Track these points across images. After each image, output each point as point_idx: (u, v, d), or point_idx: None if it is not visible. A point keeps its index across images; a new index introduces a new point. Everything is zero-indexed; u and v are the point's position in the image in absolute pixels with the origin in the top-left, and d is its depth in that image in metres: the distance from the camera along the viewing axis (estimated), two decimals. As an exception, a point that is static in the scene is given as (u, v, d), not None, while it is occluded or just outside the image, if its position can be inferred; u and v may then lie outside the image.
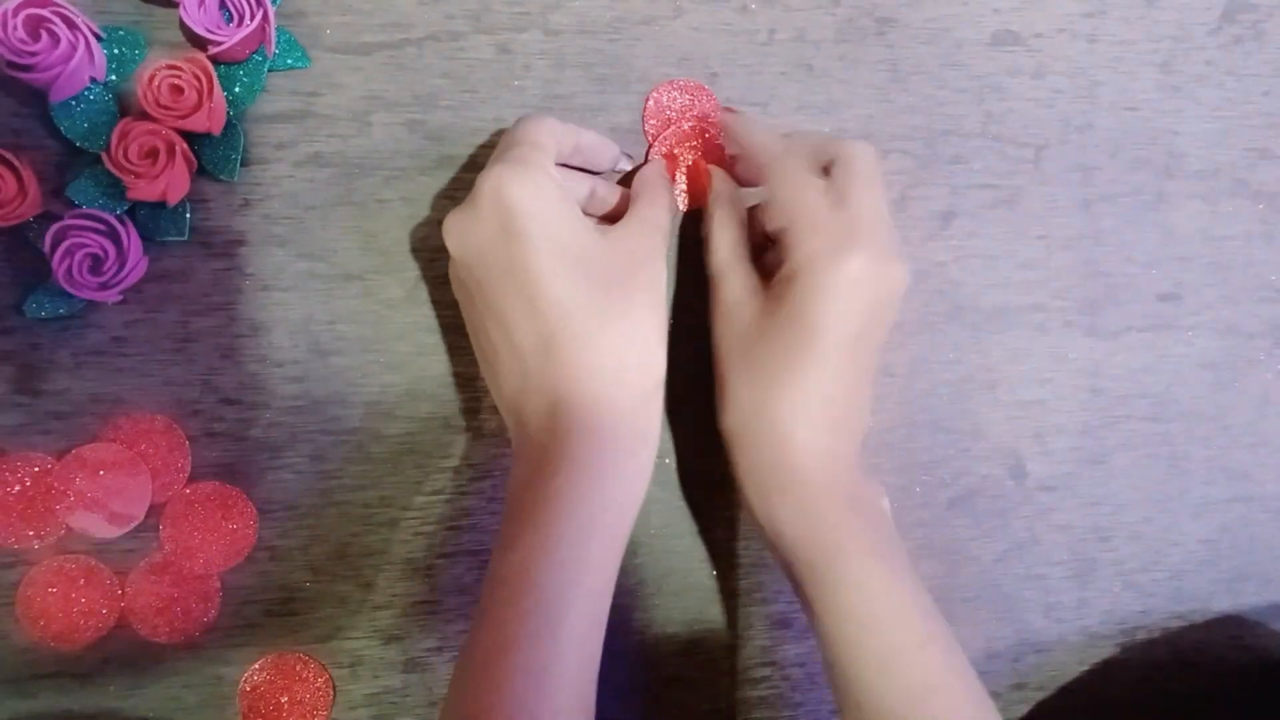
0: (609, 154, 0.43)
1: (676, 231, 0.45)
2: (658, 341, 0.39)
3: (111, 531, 0.41)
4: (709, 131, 0.45)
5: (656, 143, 0.45)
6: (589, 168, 0.43)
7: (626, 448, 0.37)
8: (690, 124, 0.45)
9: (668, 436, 0.46)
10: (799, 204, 0.39)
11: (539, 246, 0.36)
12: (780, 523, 0.39)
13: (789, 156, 0.40)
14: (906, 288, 0.39)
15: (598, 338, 0.37)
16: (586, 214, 0.41)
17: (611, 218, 0.43)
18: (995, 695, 0.50)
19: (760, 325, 0.39)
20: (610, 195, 0.43)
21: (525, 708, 0.33)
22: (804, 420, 0.38)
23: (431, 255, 0.43)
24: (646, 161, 0.45)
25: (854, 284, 0.37)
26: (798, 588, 0.39)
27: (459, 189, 0.44)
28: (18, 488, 0.40)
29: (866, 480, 0.40)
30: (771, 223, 0.41)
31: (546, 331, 0.37)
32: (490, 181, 0.36)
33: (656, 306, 0.39)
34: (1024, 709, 0.51)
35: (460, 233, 0.37)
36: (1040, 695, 0.51)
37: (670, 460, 0.46)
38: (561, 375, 0.37)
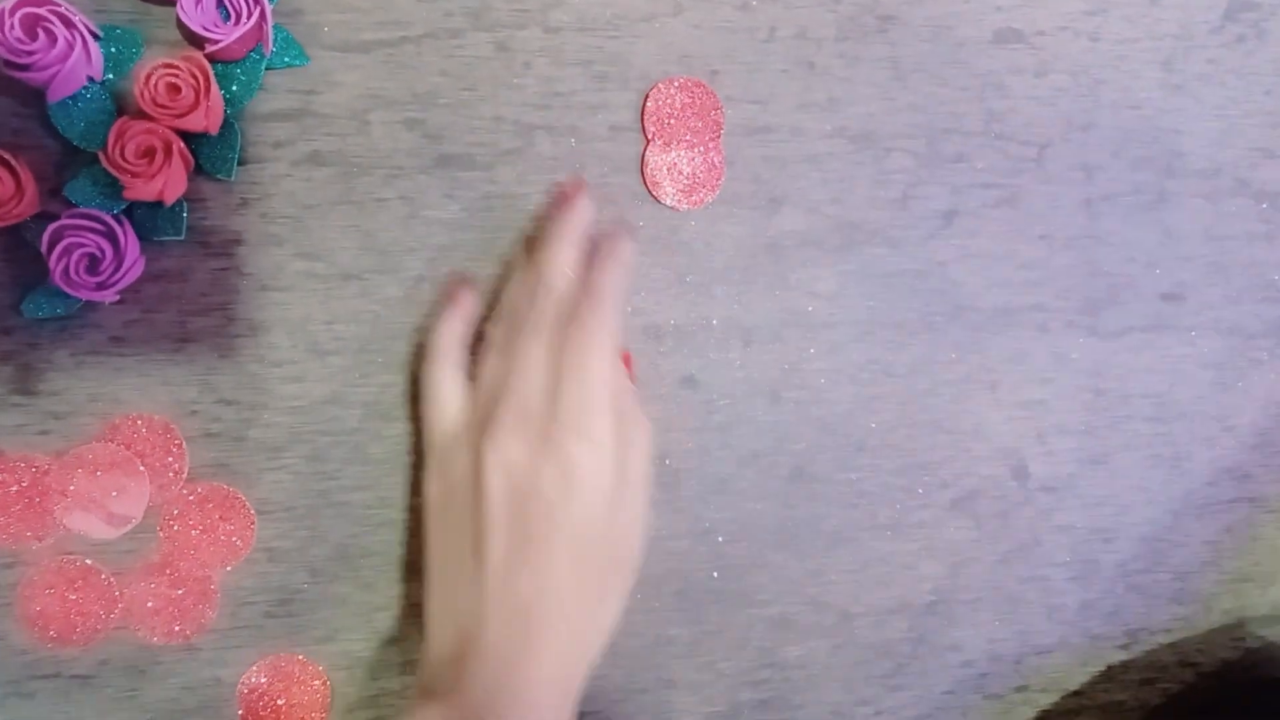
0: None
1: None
2: (607, 639, 0.39)
3: (109, 532, 0.40)
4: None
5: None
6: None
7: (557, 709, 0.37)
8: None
9: (667, 437, 0.46)
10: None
11: (569, 522, 0.37)
12: None
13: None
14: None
15: (570, 622, 0.37)
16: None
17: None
18: (997, 697, 0.50)
19: None
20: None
21: None
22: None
23: (431, 255, 0.43)
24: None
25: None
26: None
27: (458, 188, 0.43)
28: (16, 488, 0.40)
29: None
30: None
31: (533, 600, 0.37)
32: (585, 440, 0.37)
33: (625, 598, 0.40)
34: (1027, 711, 0.51)
35: (514, 461, 0.37)
36: (1043, 697, 0.51)
37: (670, 460, 0.46)
38: (524, 650, 0.36)
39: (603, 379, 0.38)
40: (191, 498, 0.41)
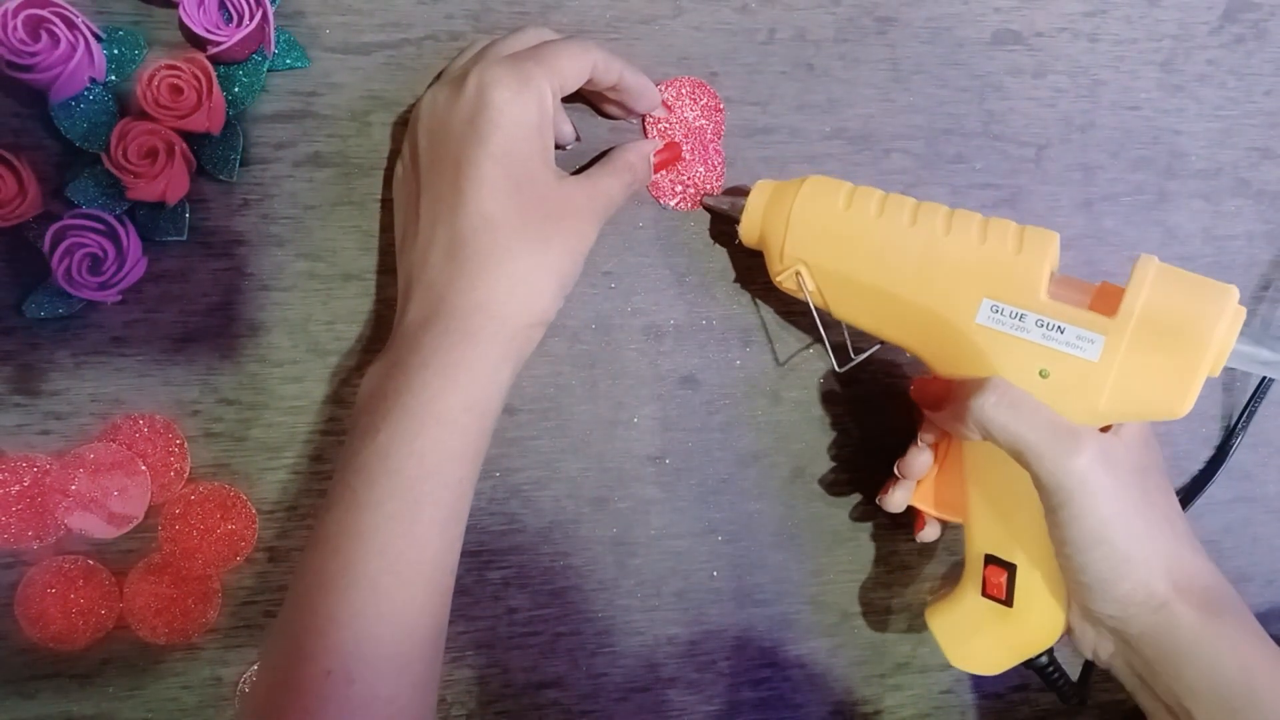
0: (647, 100, 0.43)
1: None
2: (558, 287, 0.39)
3: (110, 532, 0.40)
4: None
5: (659, 125, 0.45)
6: (624, 105, 0.43)
7: (493, 362, 0.37)
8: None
9: (666, 437, 0.46)
10: None
11: (491, 152, 0.37)
12: None
13: None
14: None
15: (504, 258, 0.37)
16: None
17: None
18: (997, 696, 0.50)
19: None
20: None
21: (381, 592, 0.34)
22: None
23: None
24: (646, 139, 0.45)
25: None
26: None
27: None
28: (17, 488, 0.40)
29: None
30: None
31: (462, 233, 0.37)
32: (484, 76, 0.37)
33: (571, 258, 0.39)
34: (1026, 710, 0.51)
35: (433, 104, 0.38)
36: (1042, 697, 0.50)
37: (670, 460, 0.46)
38: (457, 278, 0.37)
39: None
40: (193, 497, 0.41)
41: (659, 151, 0.44)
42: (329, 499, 0.36)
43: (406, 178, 0.40)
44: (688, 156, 0.45)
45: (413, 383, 0.36)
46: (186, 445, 0.41)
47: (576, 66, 0.39)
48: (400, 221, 0.41)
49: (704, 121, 0.45)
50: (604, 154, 0.43)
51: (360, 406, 0.38)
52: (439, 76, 0.42)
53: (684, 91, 0.45)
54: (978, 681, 0.50)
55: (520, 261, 0.38)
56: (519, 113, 0.37)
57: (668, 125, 0.45)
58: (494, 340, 0.37)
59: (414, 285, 0.38)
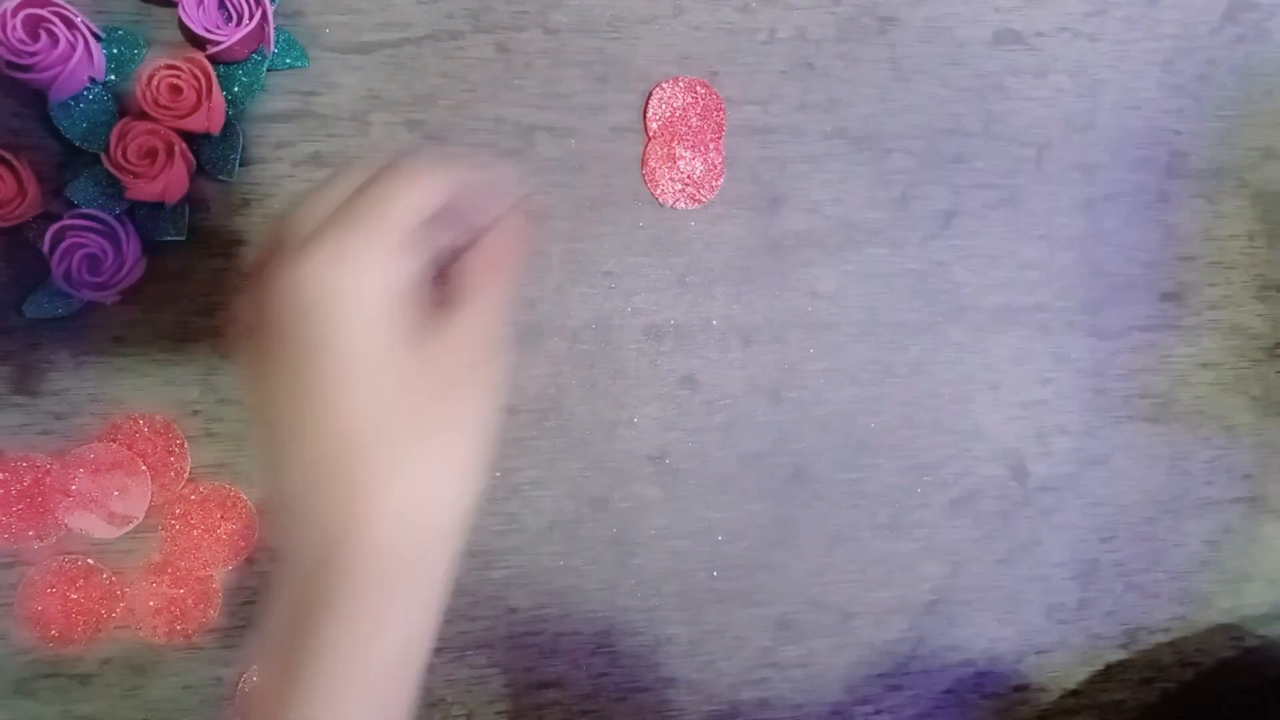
0: (493, 206, 0.35)
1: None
2: (474, 469, 0.32)
3: (111, 532, 0.40)
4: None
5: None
6: (476, 213, 0.35)
7: (414, 591, 0.31)
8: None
9: (666, 437, 0.46)
10: None
11: (336, 359, 0.29)
12: None
13: None
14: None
15: (402, 468, 0.30)
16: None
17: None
18: (997, 696, 0.50)
19: None
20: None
21: None
22: None
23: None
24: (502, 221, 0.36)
25: None
26: None
27: (459, 189, 0.44)
28: (17, 488, 0.40)
29: None
30: None
31: (336, 458, 0.30)
32: (297, 273, 0.29)
33: (474, 436, 0.32)
34: (1026, 710, 0.51)
35: (256, 313, 0.31)
36: (1043, 697, 0.51)
37: (670, 460, 0.46)
38: (345, 510, 0.30)
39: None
40: (194, 498, 0.41)
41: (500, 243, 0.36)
42: None
43: (254, 379, 0.32)
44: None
45: (318, 638, 0.30)
46: (186, 445, 0.41)
47: (408, 207, 0.31)
48: (266, 433, 0.32)
49: (704, 121, 0.45)
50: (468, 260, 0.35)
51: (267, 657, 0.31)
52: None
53: (684, 91, 0.45)
54: (978, 681, 0.50)
55: (414, 472, 0.30)
56: (353, 299, 0.29)
57: (669, 127, 0.45)
58: (409, 571, 0.31)
59: (304, 515, 0.31)
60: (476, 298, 0.33)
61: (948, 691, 0.50)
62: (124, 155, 0.38)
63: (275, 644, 0.31)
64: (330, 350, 0.29)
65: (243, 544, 0.42)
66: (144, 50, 0.41)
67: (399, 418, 0.30)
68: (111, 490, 0.40)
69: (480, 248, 0.34)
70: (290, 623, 0.31)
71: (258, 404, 0.31)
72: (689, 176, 0.45)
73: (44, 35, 0.38)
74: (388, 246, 0.30)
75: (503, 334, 0.33)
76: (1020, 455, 0.49)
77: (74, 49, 0.38)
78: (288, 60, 0.42)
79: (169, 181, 0.39)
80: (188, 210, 0.41)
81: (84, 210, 0.39)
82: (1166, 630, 0.51)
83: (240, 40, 0.39)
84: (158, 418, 0.41)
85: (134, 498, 0.41)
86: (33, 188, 0.38)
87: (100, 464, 0.40)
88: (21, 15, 0.37)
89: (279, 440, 0.31)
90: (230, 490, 0.42)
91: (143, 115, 0.39)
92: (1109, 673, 0.51)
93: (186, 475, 0.41)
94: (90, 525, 0.40)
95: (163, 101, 0.39)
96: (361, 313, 0.30)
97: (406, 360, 0.31)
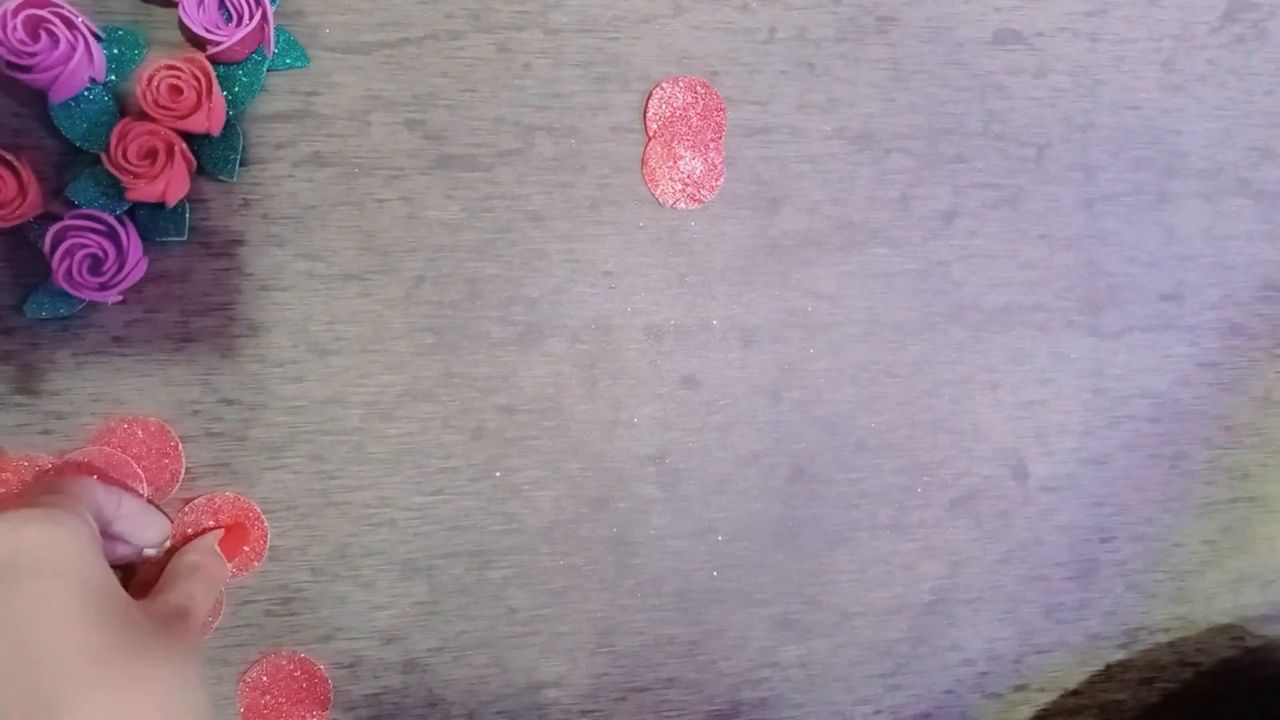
0: (156, 528, 0.39)
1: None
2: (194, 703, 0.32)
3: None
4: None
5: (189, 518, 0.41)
6: (129, 540, 0.39)
7: None
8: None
9: (666, 437, 0.46)
10: None
11: (50, 597, 0.30)
12: None
13: None
14: None
15: (95, 689, 0.30)
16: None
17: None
18: (997, 696, 0.50)
19: None
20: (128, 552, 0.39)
21: None
22: None
23: (431, 255, 0.43)
24: (201, 534, 0.41)
25: None
26: None
27: (458, 188, 0.44)
28: (18, 488, 0.40)
29: None
30: None
31: (48, 693, 0.30)
32: (7, 523, 0.31)
33: (179, 683, 0.32)
34: (1026, 710, 0.51)
35: None
36: (1043, 697, 0.51)
37: (670, 460, 0.46)
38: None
39: None
40: (206, 507, 0.41)
41: (223, 540, 0.40)
42: None
43: None
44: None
45: None
46: (181, 447, 0.41)
47: (81, 487, 0.35)
48: None
49: (704, 121, 0.45)
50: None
51: None
52: None
53: (684, 90, 0.45)
54: (978, 681, 0.50)
55: (137, 701, 0.31)
56: (62, 539, 0.31)
57: (669, 127, 0.45)
58: None
59: None
60: (173, 581, 0.37)
61: (948, 691, 0.50)
62: (124, 155, 0.38)
63: None
64: (41, 581, 0.31)
65: (252, 554, 0.42)
66: (144, 50, 0.41)
67: (102, 649, 0.30)
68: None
69: (186, 547, 0.39)
70: None
71: None
72: (689, 176, 0.45)
73: (44, 35, 0.38)
74: (81, 508, 0.33)
75: (197, 623, 0.36)
76: (1020, 455, 0.49)
77: (74, 49, 0.38)
78: (288, 60, 0.42)
79: (169, 182, 0.39)
80: (188, 210, 0.41)
81: (84, 210, 0.39)
82: (1166, 630, 0.51)
83: (240, 40, 0.39)
84: (152, 420, 0.41)
85: (133, 499, 0.41)
86: (33, 188, 0.38)
87: (94, 468, 0.40)
88: (22, 15, 0.37)
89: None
90: (244, 503, 0.42)
91: (143, 115, 0.39)
92: (1109, 673, 0.51)
93: (181, 477, 0.41)
94: (90, 525, 0.40)
95: (163, 102, 0.39)
96: (78, 555, 0.32)
97: (112, 605, 0.32)
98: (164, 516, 0.40)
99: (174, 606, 0.35)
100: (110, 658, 0.31)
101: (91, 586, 0.32)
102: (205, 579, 0.38)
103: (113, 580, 0.33)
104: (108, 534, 0.37)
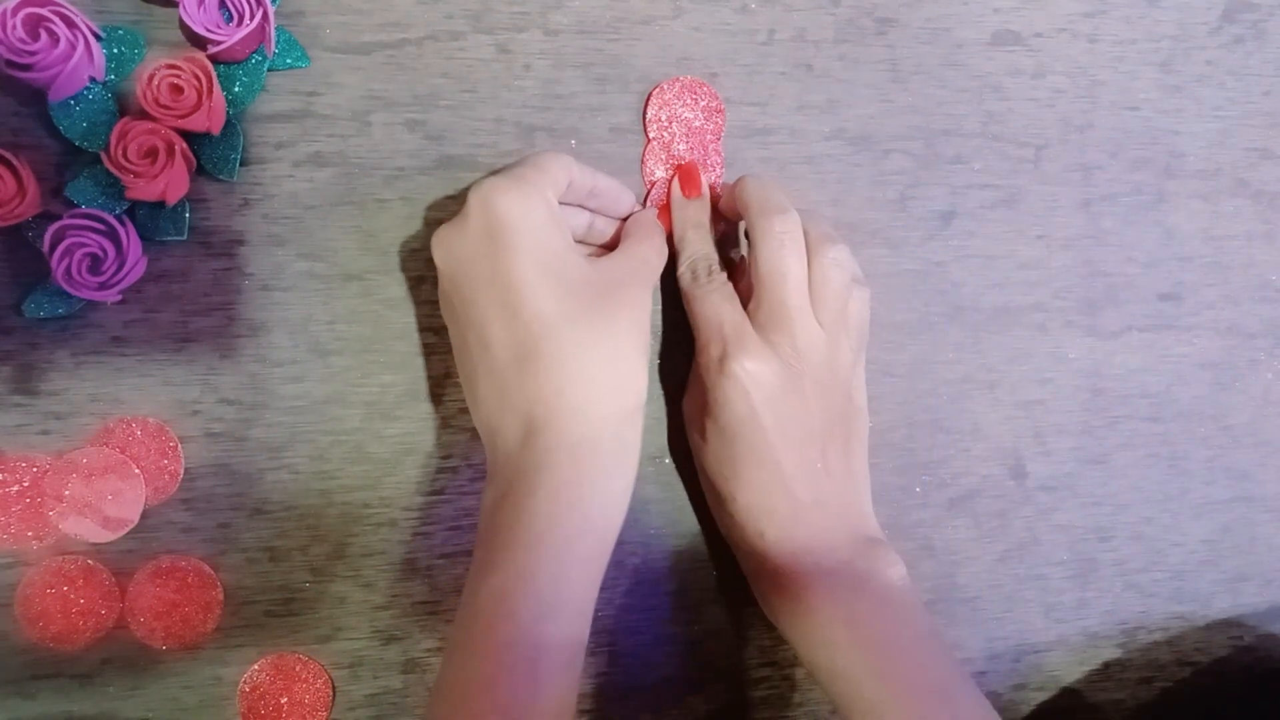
0: (625, 201, 0.43)
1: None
2: (639, 363, 0.38)
3: (106, 536, 0.40)
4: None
5: (652, 194, 0.45)
6: (602, 212, 0.43)
7: (606, 468, 0.36)
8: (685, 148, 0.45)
9: (666, 437, 0.46)
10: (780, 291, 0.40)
11: (523, 257, 0.36)
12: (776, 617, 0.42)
13: (788, 235, 0.40)
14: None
15: (579, 353, 0.36)
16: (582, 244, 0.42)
17: (606, 250, 0.43)
18: (995, 695, 0.50)
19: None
20: (608, 229, 0.43)
21: None
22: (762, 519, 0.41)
23: (431, 255, 0.43)
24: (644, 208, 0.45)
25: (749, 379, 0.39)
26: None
27: (459, 189, 0.44)
28: (16, 488, 0.40)
29: (868, 553, 0.41)
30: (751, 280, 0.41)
31: (527, 344, 0.36)
32: (481, 191, 0.36)
33: (640, 329, 0.38)
34: (1025, 709, 0.51)
35: (447, 243, 0.38)
36: (1041, 696, 0.51)
37: (670, 460, 0.46)
38: (540, 390, 0.36)
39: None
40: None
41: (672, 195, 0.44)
42: (450, 642, 0.35)
43: (453, 324, 0.40)
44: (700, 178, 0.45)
45: (522, 514, 0.34)
46: (180, 447, 0.41)
47: (554, 164, 0.38)
48: (462, 365, 0.40)
49: (704, 122, 0.46)
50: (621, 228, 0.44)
51: (477, 540, 0.37)
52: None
53: (684, 92, 0.45)
54: (977, 680, 0.50)
55: (595, 350, 0.36)
56: (529, 210, 0.36)
57: (669, 128, 0.45)
58: (597, 446, 0.36)
59: (501, 411, 0.37)
60: (630, 246, 0.41)
61: (947, 691, 0.50)
62: (124, 155, 0.38)
63: (488, 521, 0.36)
64: (517, 253, 0.36)
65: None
66: (144, 50, 0.41)
67: (577, 310, 0.36)
68: (105, 494, 0.40)
69: (633, 218, 0.43)
70: (498, 502, 0.36)
71: (456, 308, 0.38)
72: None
73: (44, 35, 0.38)
74: (547, 185, 0.37)
75: (646, 274, 0.41)
76: (1019, 454, 0.49)
77: (74, 48, 0.38)
78: (288, 60, 0.42)
79: (169, 181, 0.39)
80: (188, 210, 0.41)
81: (84, 210, 0.39)
82: (1165, 629, 0.52)
83: (241, 40, 0.39)
84: (150, 421, 0.41)
85: (127, 501, 0.41)
86: (33, 187, 0.38)
87: (93, 469, 0.40)
88: (21, 15, 0.37)
89: (477, 341, 0.37)
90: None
91: (143, 115, 0.39)
92: (1107, 672, 0.51)
93: (180, 477, 0.41)
94: (84, 530, 0.40)
95: (163, 101, 0.39)
96: (540, 221, 0.36)
97: (579, 266, 0.37)
98: (629, 191, 0.43)
99: (630, 260, 0.40)
100: (587, 320, 0.36)
101: (557, 260, 0.37)
102: (658, 244, 0.42)
103: (571, 250, 0.38)
104: (585, 207, 0.42)
